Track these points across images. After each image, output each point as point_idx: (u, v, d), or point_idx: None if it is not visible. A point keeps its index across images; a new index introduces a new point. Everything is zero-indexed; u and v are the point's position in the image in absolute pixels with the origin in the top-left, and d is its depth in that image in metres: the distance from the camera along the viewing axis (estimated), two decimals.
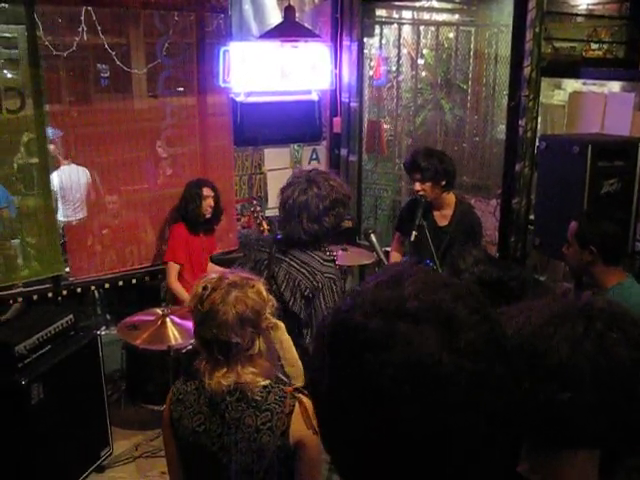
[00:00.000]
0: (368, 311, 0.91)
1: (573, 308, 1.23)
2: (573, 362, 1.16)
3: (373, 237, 3.56)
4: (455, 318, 0.89)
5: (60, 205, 5.70)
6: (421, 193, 4.47)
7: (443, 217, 4.61)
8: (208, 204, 5.52)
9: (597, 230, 3.36)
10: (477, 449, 0.88)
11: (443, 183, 4.46)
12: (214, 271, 5.57)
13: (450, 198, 4.59)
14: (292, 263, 3.23)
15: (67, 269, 5.54)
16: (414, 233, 4.28)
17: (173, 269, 5.43)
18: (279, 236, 3.34)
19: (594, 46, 5.97)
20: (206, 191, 5.52)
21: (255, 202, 5.89)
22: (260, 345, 2.33)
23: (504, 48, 5.99)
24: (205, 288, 2.31)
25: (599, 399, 1.15)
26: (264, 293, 2.37)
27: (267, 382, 2.37)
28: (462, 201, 4.73)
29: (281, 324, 2.73)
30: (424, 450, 0.87)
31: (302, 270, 3.20)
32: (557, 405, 1.15)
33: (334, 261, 3.31)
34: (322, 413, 0.98)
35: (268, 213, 6.63)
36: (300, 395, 2.39)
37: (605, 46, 5.96)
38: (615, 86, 5.28)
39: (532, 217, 4.98)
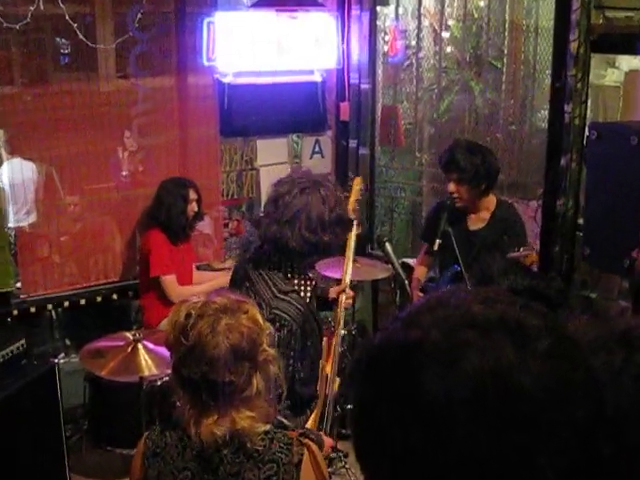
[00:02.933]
0: (425, 324, 0.97)
1: (611, 334, 1.22)
2: (615, 401, 1.13)
3: (388, 246, 3.57)
4: (526, 326, 0.96)
5: (10, 208, 5.68)
6: (455, 195, 4.48)
7: (479, 220, 4.62)
8: (192, 209, 5.54)
9: None
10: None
11: (483, 187, 4.47)
12: (205, 280, 5.64)
13: (489, 201, 4.62)
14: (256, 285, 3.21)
15: (18, 285, 5.53)
16: (438, 241, 4.29)
17: (170, 283, 5.44)
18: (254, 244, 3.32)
19: None
20: (192, 193, 5.54)
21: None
22: (258, 383, 2.29)
23: (546, 18, 5.99)
24: (188, 316, 2.27)
25: None
26: (260, 319, 2.34)
27: (268, 427, 2.34)
28: (503, 202, 4.74)
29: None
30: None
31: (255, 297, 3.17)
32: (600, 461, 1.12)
33: (296, 293, 3.25)
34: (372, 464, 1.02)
35: None
36: (307, 440, 2.37)
37: None
38: None
39: (581, 222, 4.96)
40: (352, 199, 3.48)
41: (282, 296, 3.24)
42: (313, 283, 3.45)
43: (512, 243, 4.47)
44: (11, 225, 5.70)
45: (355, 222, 3.43)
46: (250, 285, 3.27)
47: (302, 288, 3.35)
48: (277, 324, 3.13)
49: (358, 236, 3.49)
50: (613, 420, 1.12)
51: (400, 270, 3.56)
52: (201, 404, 2.27)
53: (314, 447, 2.34)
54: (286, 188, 3.22)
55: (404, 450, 0.94)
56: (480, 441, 0.90)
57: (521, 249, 4.34)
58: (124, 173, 5.97)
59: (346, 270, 3.44)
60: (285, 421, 2.59)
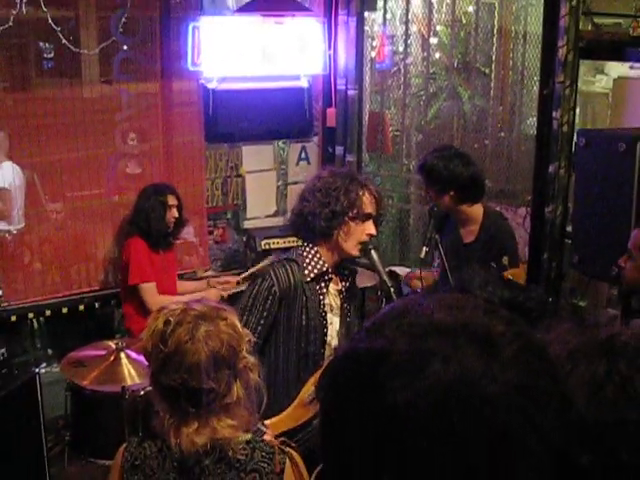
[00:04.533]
0: (389, 333, 0.97)
1: (593, 342, 1.22)
2: (595, 412, 1.13)
3: (374, 254, 3.54)
4: (491, 332, 0.96)
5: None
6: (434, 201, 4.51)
7: (469, 233, 4.63)
8: (172, 215, 5.52)
9: None
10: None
11: (452, 194, 4.47)
12: (188, 290, 5.62)
13: (473, 212, 4.61)
14: None
15: None
16: (424, 249, 4.29)
17: (148, 291, 5.41)
18: None
19: None
20: (171, 199, 5.52)
21: None
22: (238, 391, 2.29)
23: (535, 25, 6.01)
24: (167, 323, 2.26)
25: (630, 463, 1.11)
26: (239, 326, 2.34)
27: (249, 436, 2.34)
28: (491, 212, 4.74)
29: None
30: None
31: None
32: (577, 470, 1.12)
33: (297, 265, 3.44)
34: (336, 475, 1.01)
35: (247, 225, 6.63)
36: (289, 449, 2.37)
37: None
38: None
39: (569, 229, 4.97)
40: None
41: (284, 261, 3.43)
42: (345, 283, 3.60)
43: (503, 257, 4.47)
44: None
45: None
46: None
47: (309, 267, 3.43)
48: (260, 277, 3.38)
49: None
50: (594, 429, 1.12)
51: (386, 278, 3.53)
52: (181, 412, 2.26)
53: (296, 455, 2.34)
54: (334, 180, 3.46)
55: (372, 463, 0.93)
56: (447, 451, 0.89)
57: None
58: (108, 180, 5.95)
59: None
60: (263, 428, 2.57)
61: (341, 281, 3.60)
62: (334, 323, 3.55)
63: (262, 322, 3.37)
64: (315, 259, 3.46)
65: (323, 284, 3.50)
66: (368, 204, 3.46)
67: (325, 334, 3.51)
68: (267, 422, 3.22)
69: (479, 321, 0.97)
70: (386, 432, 0.92)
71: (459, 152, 4.79)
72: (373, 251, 3.52)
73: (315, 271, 3.45)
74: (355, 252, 3.48)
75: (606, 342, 1.21)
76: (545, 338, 1.25)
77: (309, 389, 3.32)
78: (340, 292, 3.59)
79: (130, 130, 6.01)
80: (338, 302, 3.58)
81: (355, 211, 3.42)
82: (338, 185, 3.44)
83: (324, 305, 3.50)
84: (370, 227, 3.47)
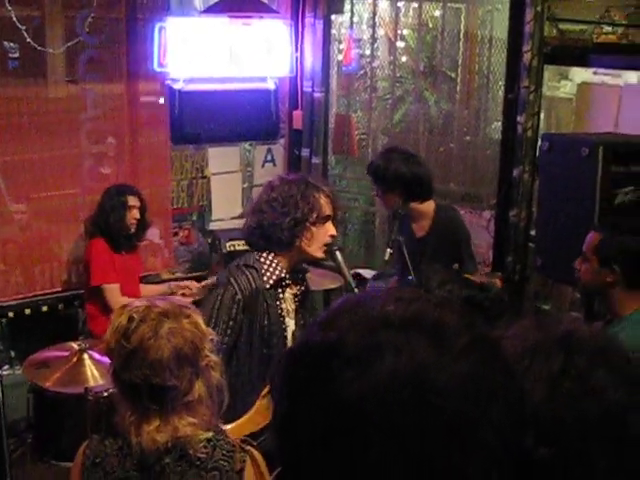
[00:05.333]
0: (342, 327, 0.96)
1: (550, 338, 1.23)
2: (550, 406, 1.15)
3: (339, 255, 3.55)
4: (443, 324, 0.96)
5: None
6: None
7: (421, 228, 4.67)
8: (133, 216, 5.48)
9: (624, 247, 3.37)
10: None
11: (398, 192, 4.51)
12: (153, 293, 5.59)
13: (424, 208, 4.65)
14: None
15: None
16: (388, 251, 4.31)
17: (111, 292, 5.36)
18: None
19: (607, 29, 6.06)
20: (131, 200, 5.48)
21: None
22: (200, 389, 2.30)
23: (500, 30, 6.05)
24: (131, 319, 2.27)
25: (589, 455, 1.13)
26: (202, 325, 2.35)
27: (210, 434, 2.34)
28: (442, 206, 4.79)
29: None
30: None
31: None
32: (537, 464, 1.13)
33: (256, 271, 3.45)
34: (293, 473, 1.01)
35: (213, 226, 6.62)
36: (250, 448, 2.37)
37: (620, 29, 6.05)
38: (632, 76, 5.37)
39: (533, 233, 5.02)
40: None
41: (243, 268, 3.43)
42: (300, 287, 3.61)
43: (457, 248, 4.54)
44: None
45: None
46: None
47: (267, 274, 3.44)
48: (222, 286, 3.43)
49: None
50: (551, 423, 1.14)
51: (351, 280, 3.55)
52: (142, 410, 2.26)
53: (257, 454, 2.35)
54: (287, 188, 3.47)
55: (325, 458, 0.93)
56: (399, 444, 0.89)
57: (481, 273, 4.44)
58: (72, 181, 5.91)
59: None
60: (222, 426, 2.58)
61: (295, 285, 3.61)
62: (290, 326, 3.57)
63: (229, 332, 3.38)
64: (273, 265, 3.47)
65: (280, 290, 3.51)
66: (326, 206, 3.47)
67: (285, 337, 3.53)
68: (227, 427, 3.23)
69: (430, 313, 0.97)
70: (338, 425, 0.92)
71: (404, 152, 4.83)
72: (338, 252, 3.55)
73: (274, 277, 3.46)
74: (320, 254, 3.50)
75: (563, 338, 1.22)
76: (503, 334, 1.27)
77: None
78: (295, 296, 3.61)
79: (95, 130, 5.98)
80: (293, 306, 3.60)
81: (315, 215, 3.43)
82: (294, 192, 3.44)
83: (282, 310, 3.52)
84: (331, 228, 3.50)
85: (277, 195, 3.45)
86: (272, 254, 3.48)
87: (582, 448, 1.13)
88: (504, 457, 0.94)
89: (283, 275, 3.48)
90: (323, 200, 3.47)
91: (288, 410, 0.99)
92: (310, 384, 0.95)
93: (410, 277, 4.21)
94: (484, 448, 0.92)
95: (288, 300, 3.57)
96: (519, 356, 1.20)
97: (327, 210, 3.47)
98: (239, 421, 3.31)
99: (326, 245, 3.48)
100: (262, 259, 3.48)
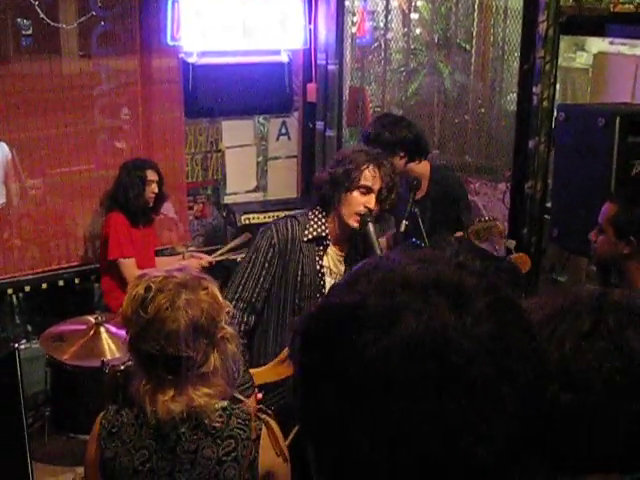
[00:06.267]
0: (362, 289, 0.97)
1: (582, 301, 1.26)
2: (578, 358, 1.18)
3: (371, 227, 3.56)
4: (463, 285, 0.97)
5: None
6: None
7: (419, 190, 4.68)
8: (152, 190, 5.50)
9: None
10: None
11: (402, 154, 4.55)
12: (168, 265, 5.59)
13: (421, 168, 4.69)
14: None
15: None
16: (404, 223, 4.28)
17: (128, 266, 5.39)
18: None
19: None
20: (150, 174, 5.50)
21: None
22: (215, 361, 2.30)
23: (515, 0, 6.00)
24: (148, 289, 2.26)
25: (613, 405, 1.16)
26: (219, 296, 2.35)
27: (225, 403, 2.36)
28: (437, 167, 4.84)
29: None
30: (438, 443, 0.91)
31: None
32: (561, 410, 1.16)
33: (297, 221, 3.60)
34: (312, 432, 1.01)
35: (227, 200, 6.62)
36: (265, 416, 2.38)
37: None
38: None
39: (549, 204, 4.99)
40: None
41: (288, 218, 3.63)
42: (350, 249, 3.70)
43: (455, 207, 4.62)
44: None
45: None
46: None
47: (310, 228, 3.57)
48: (263, 231, 3.58)
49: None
50: (578, 373, 1.18)
51: (379, 252, 3.55)
52: (157, 379, 2.26)
53: (272, 422, 2.36)
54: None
55: (345, 419, 0.94)
56: (420, 403, 0.90)
57: (479, 220, 4.46)
58: (87, 156, 5.92)
59: None
60: (239, 396, 2.60)
61: (344, 246, 3.68)
62: (330, 284, 3.62)
63: (264, 273, 3.49)
64: (318, 222, 3.59)
65: (321, 247, 3.60)
66: (370, 177, 3.51)
67: (321, 294, 3.57)
68: (252, 371, 3.33)
69: (450, 275, 0.98)
70: (359, 386, 0.92)
71: (395, 116, 4.97)
72: (370, 225, 3.55)
73: (314, 233, 3.57)
74: (352, 222, 3.53)
75: (596, 300, 1.25)
76: (529, 301, 1.28)
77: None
78: (345, 258, 3.68)
79: (109, 105, 5.98)
80: (341, 267, 3.66)
81: (352, 181, 3.49)
82: (347, 155, 3.58)
83: (321, 267, 3.60)
84: (369, 200, 3.52)
85: (337, 156, 3.68)
86: (322, 212, 3.60)
87: (606, 401, 1.17)
88: (524, 415, 0.94)
89: (324, 234, 3.57)
90: (369, 171, 3.51)
91: (308, 370, 1.00)
92: (330, 345, 0.96)
93: (415, 240, 4.23)
94: (504, 407, 0.92)
95: (332, 259, 3.65)
96: (548, 317, 1.23)
97: (369, 182, 3.51)
98: (263, 368, 3.43)
99: (359, 215, 3.51)
100: (310, 214, 3.61)
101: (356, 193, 3.51)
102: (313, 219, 3.59)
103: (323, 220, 3.59)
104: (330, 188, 3.54)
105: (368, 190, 3.52)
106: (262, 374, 3.45)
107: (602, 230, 3.44)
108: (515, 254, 4.45)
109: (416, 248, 3.84)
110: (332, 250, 3.63)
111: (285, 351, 3.35)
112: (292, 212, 3.75)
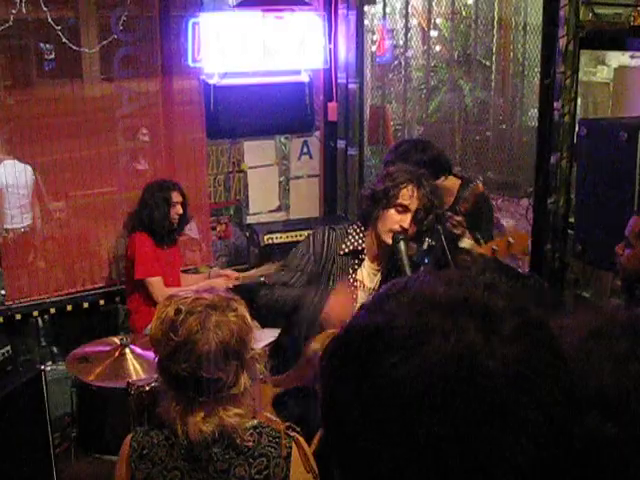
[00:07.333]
0: (389, 310, 0.97)
1: (614, 323, 1.23)
2: (619, 385, 1.14)
3: (402, 245, 3.55)
4: (491, 307, 0.96)
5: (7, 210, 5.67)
6: None
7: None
8: (176, 212, 5.53)
9: None
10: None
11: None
12: (190, 283, 5.62)
13: (447, 184, 4.64)
14: None
15: (2, 291, 5.51)
16: (427, 240, 4.27)
17: (155, 285, 5.42)
18: None
19: None
20: (175, 196, 5.53)
21: None
22: (245, 382, 2.30)
23: (535, 15, 6.01)
24: (178, 311, 2.26)
25: None
26: (247, 317, 2.35)
27: (255, 422, 2.36)
28: (466, 183, 4.80)
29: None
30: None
31: None
32: (600, 443, 1.13)
33: (334, 233, 3.68)
34: (339, 452, 1.01)
35: (250, 220, 6.64)
36: (295, 433, 2.38)
37: None
38: None
39: (572, 220, 4.97)
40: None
41: (329, 228, 3.72)
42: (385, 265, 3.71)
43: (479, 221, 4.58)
44: (7, 226, 5.71)
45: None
46: None
47: (347, 242, 3.65)
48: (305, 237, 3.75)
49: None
50: (618, 402, 1.13)
51: (409, 272, 3.54)
52: (187, 400, 2.27)
53: (301, 439, 2.36)
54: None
55: (374, 441, 0.93)
56: (446, 427, 0.89)
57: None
58: (110, 178, 5.97)
59: None
60: (271, 416, 2.60)
61: (380, 261, 3.70)
62: (361, 299, 3.62)
63: (297, 274, 3.58)
64: (356, 237, 3.65)
65: (357, 260, 3.64)
66: (407, 197, 3.52)
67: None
68: (274, 378, 3.42)
69: (479, 296, 0.97)
70: (386, 407, 0.92)
71: (414, 141, 4.90)
72: (402, 243, 3.54)
73: (351, 247, 3.64)
74: (386, 239, 3.55)
75: (628, 324, 1.22)
76: (561, 322, 1.27)
77: (312, 349, 3.40)
78: (379, 272, 3.70)
79: (132, 127, 6.02)
80: (373, 283, 3.69)
81: (389, 199, 3.52)
82: (390, 173, 3.61)
83: (355, 280, 3.64)
84: (404, 219, 3.52)
85: (383, 172, 3.71)
86: (362, 227, 3.67)
87: None
88: (552, 439, 0.93)
89: (360, 248, 3.63)
90: (407, 191, 3.52)
91: (336, 390, 0.99)
92: (357, 366, 0.95)
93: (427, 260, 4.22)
94: (532, 430, 0.91)
95: (366, 274, 3.68)
96: (582, 340, 1.20)
97: (405, 200, 3.52)
98: (286, 374, 3.46)
99: (393, 232, 3.52)
100: (351, 229, 3.68)
101: (392, 211, 3.52)
102: (352, 233, 3.66)
103: (361, 235, 3.64)
104: (370, 204, 3.59)
105: (405, 209, 3.52)
106: (285, 381, 3.49)
107: (629, 244, 3.42)
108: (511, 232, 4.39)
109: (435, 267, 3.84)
110: (368, 264, 3.67)
111: (304, 358, 3.37)
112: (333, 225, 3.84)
